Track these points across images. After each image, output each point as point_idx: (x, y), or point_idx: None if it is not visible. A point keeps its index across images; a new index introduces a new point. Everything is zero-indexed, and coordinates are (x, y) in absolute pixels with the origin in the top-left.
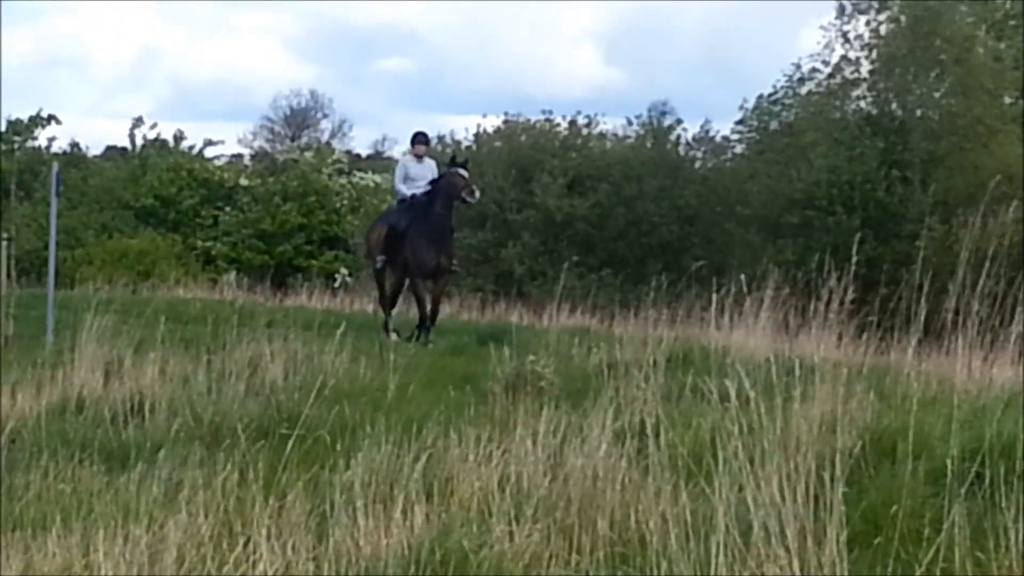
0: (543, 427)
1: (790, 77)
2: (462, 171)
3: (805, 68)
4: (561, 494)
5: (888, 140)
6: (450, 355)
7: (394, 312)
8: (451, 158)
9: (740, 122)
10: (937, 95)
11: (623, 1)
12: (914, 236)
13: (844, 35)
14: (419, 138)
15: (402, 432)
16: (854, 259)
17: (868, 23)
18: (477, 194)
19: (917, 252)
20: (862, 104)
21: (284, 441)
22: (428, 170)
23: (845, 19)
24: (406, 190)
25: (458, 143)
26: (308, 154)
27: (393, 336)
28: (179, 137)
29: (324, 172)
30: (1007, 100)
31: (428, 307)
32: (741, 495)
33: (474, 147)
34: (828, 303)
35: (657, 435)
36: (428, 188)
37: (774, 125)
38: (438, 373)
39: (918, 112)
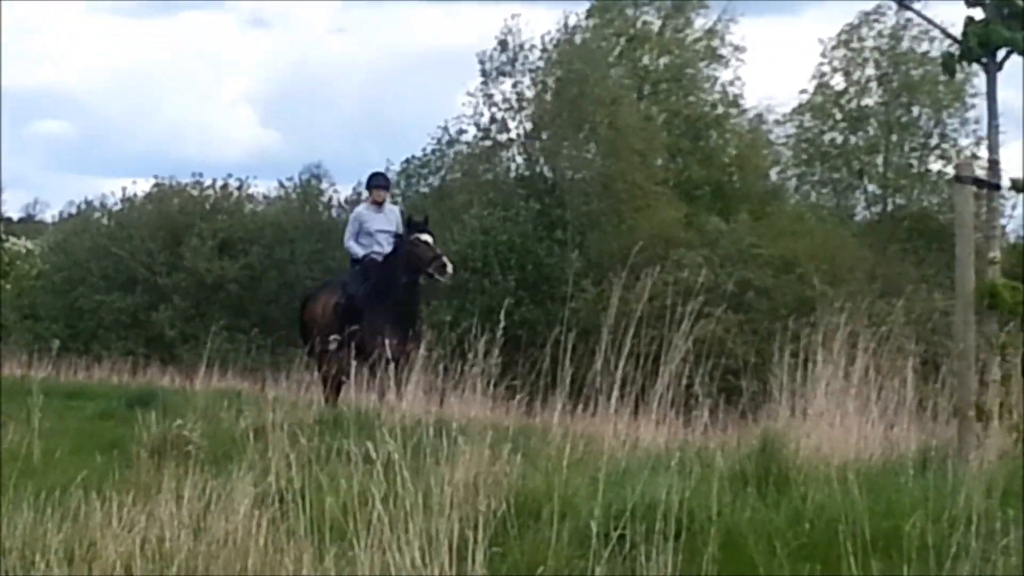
0: (188, 491)
1: (439, 140)
2: (426, 237)
3: (453, 130)
4: (204, 557)
5: (543, 201)
6: (99, 419)
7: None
8: (407, 219)
9: None
10: (589, 156)
11: (280, 64)
12: (568, 298)
13: (490, 98)
14: (378, 180)
15: (45, 498)
16: (502, 321)
17: (514, 85)
18: (450, 269)
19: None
20: (512, 166)
21: None
22: (389, 222)
23: (490, 83)
24: (359, 250)
25: (107, 207)
26: None
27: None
28: None
29: None
30: (659, 162)
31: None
32: (384, 558)
33: (124, 210)
34: (477, 365)
35: (304, 498)
36: (386, 253)
37: (424, 188)
38: (86, 438)
39: (570, 174)
